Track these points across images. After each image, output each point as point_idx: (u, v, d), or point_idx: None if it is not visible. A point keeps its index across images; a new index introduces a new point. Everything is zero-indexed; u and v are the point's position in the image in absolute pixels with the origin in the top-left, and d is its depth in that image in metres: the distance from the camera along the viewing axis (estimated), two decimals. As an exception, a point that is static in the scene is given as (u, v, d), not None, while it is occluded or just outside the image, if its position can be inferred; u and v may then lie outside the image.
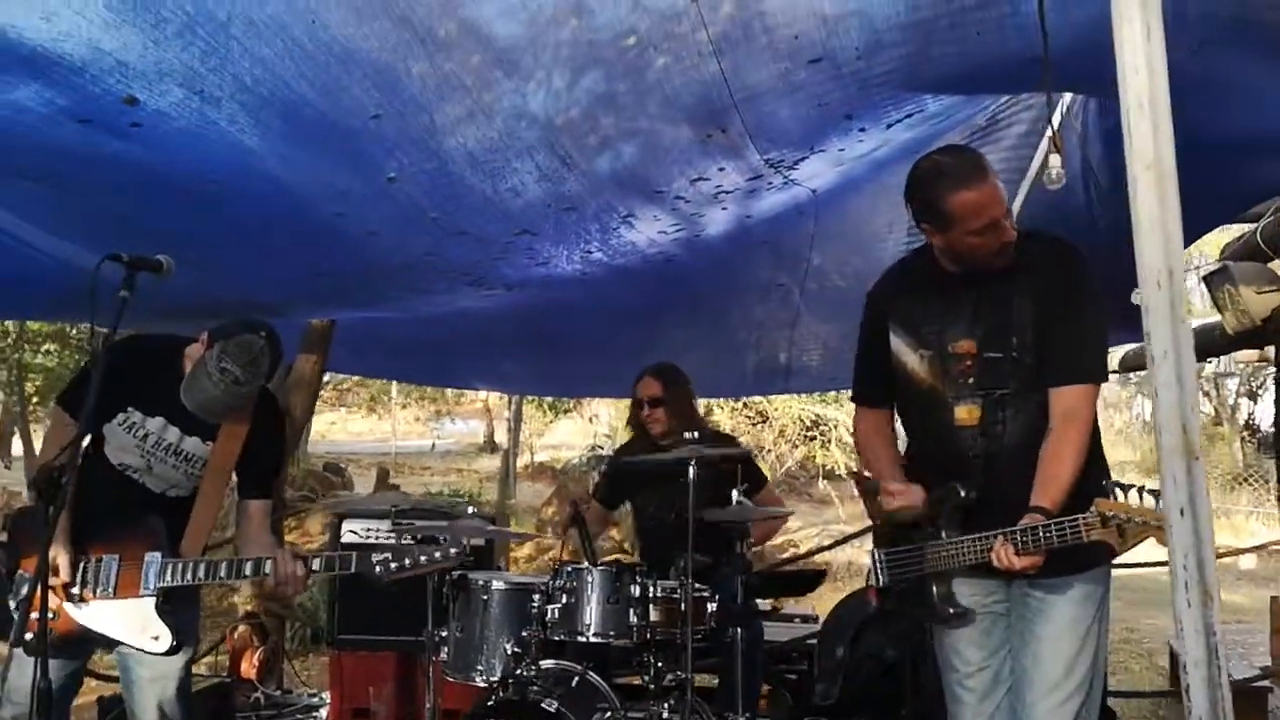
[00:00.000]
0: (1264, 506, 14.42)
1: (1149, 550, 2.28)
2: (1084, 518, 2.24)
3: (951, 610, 2.56)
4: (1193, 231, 3.21)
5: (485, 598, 3.55)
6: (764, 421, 15.02)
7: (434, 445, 20.95)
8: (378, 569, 2.86)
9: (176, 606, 2.89)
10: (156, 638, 2.84)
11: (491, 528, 4.38)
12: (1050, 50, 2.35)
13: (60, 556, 2.78)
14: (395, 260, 3.80)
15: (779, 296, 5.06)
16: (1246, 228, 4.59)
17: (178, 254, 2.53)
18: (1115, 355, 6.63)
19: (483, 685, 3.50)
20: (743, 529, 3.60)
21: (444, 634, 3.56)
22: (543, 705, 3.20)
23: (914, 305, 2.64)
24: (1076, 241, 2.62)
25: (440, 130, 2.73)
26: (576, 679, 3.39)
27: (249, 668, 5.09)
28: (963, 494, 2.48)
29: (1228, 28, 2.28)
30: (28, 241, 3.44)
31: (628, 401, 4.37)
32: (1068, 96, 3.50)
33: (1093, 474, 2.42)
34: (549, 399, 16.01)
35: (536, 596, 3.46)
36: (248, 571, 2.87)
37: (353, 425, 23.83)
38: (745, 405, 14.55)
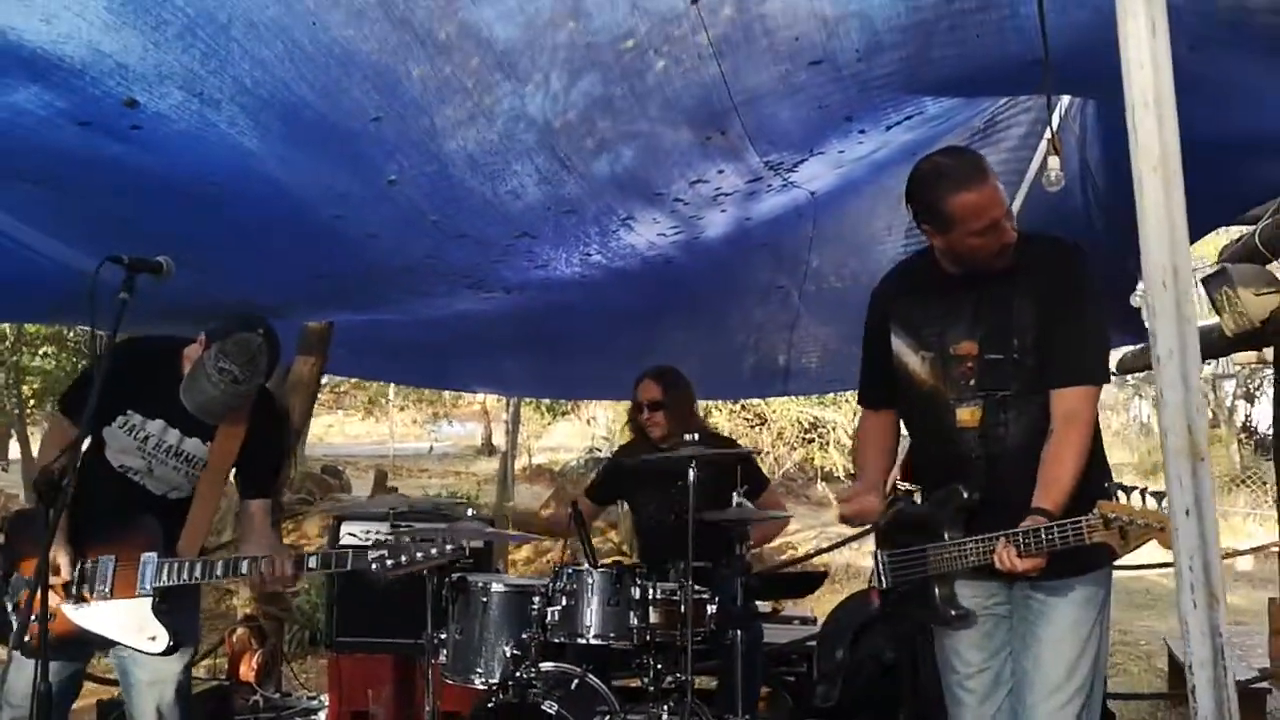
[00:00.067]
0: (1261, 508, 14.41)
1: (1142, 553, 2.28)
2: (1087, 520, 2.24)
3: (954, 612, 2.56)
4: (1193, 232, 3.20)
5: (484, 600, 3.54)
6: (762, 424, 14.99)
7: (432, 448, 20.86)
8: (374, 566, 2.86)
9: (174, 607, 2.89)
10: (153, 638, 2.84)
11: (490, 529, 4.38)
12: (1050, 52, 2.35)
13: (60, 556, 2.78)
14: (395, 263, 3.80)
15: (778, 299, 5.06)
16: (1245, 230, 4.59)
17: (177, 256, 2.53)
18: (1114, 357, 6.62)
19: (482, 688, 3.49)
20: (742, 531, 3.59)
21: (443, 636, 3.54)
22: (542, 707, 3.20)
23: (915, 307, 2.65)
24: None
25: (440, 133, 2.73)
26: (576, 681, 3.39)
27: (247, 670, 5.07)
28: (965, 495, 2.48)
29: (1225, 26, 2.28)
30: (27, 244, 3.44)
31: (626, 403, 4.37)
32: (1066, 99, 3.51)
33: (1094, 476, 2.43)
34: (547, 401, 15.97)
35: (536, 599, 3.45)
36: (244, 570, 2.87)
37: (350, 428, 23.75)
38: (744, 407, 14.51)
